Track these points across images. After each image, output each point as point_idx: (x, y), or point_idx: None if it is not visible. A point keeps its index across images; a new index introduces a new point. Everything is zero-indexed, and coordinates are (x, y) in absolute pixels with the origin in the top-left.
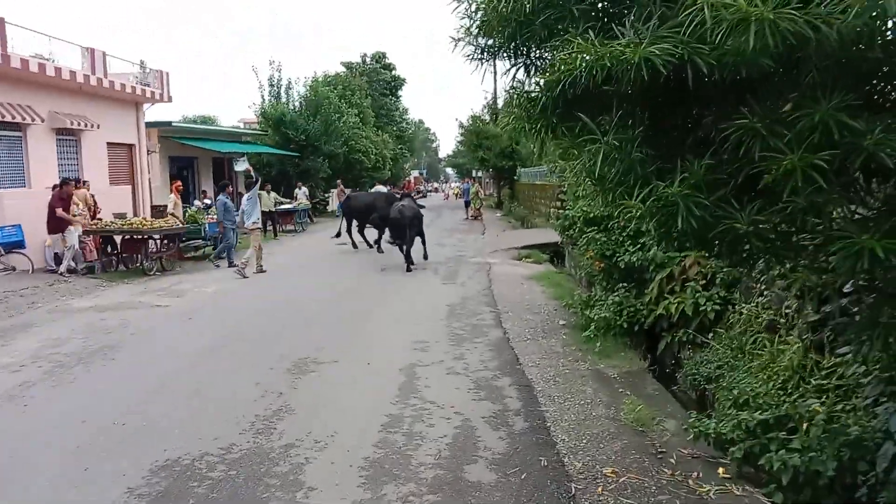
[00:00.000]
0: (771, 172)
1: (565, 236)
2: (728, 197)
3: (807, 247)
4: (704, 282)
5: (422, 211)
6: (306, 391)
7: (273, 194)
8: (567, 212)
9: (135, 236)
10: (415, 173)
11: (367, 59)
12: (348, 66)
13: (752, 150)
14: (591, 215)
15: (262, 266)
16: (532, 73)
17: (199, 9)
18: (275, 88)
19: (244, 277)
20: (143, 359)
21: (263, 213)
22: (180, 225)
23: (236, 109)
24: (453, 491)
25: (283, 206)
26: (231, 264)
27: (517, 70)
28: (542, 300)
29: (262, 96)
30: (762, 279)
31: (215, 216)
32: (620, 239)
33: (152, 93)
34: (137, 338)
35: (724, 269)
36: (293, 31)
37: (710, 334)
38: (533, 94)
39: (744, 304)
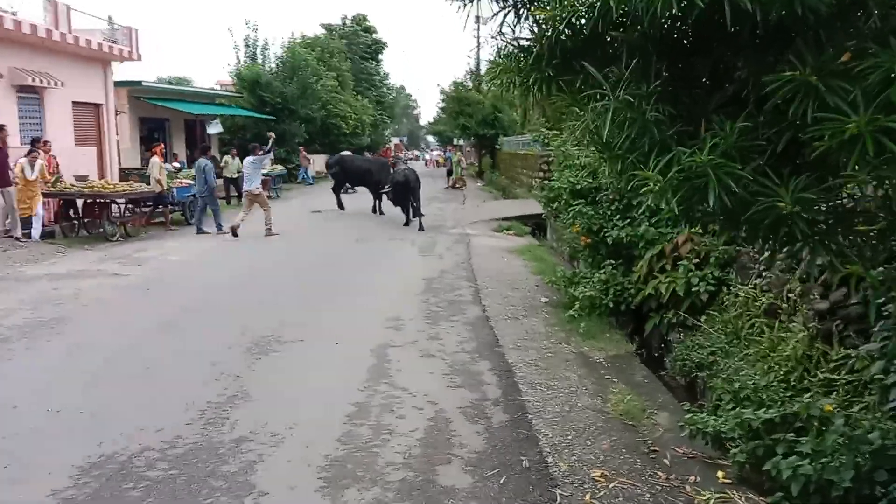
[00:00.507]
0: (824, 139)
1: (549, 209)
2: (764, 168)
3: (866, 233)
4: (698, 260)
5: None
6: (266, 374)
7: (237, 160)
8: (553, 183)
9: (97, 200)
10: (395, 140)
11: (348, 22)
12: (328, 28)
13: (801, 110)
14: (578, 187)
15: (269, 229)
16: (524, 16)
17: None
18: (251, 49)
19: (275, 234)
20: (92, 334)
21: (227, 179)
22: (161, 189)
23: (213, 71)
24: (423, 497)
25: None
26: (220, 228)
27: (506, 14)
28: (524, 275)
29: (238, 57)
30: (761, 259)
31: (185, 180)
32: (608, 213)
33: (120, 50)
34: (89, 310)
35: (720, 248)
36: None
37: (703, 317)
38: (524, 43)
39: (740, 286)
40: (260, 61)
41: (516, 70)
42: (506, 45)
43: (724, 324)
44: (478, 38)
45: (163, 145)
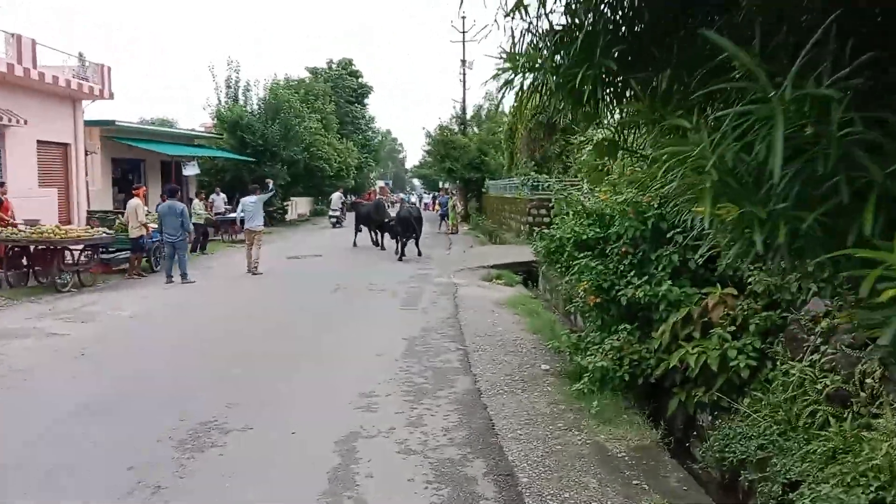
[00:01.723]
0: None
1: (549, 261)
2: None
3: None
4: (733, 328)
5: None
6: (196, 483)
7: (203, 203)
8: (553, 231)
9: (49, 247)
10: (380, 183)
11: (334, 66)
12: (313, 71)
13: None
14: (584, 237)
15: (255, 268)
16: None
17: (165, 9)
18: (232, 90)
19: (259, 273)
20: None
21: (195, 224)
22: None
23: (198, 113)
24: None
25: (229, 216)
26: (182, 278)
27: None
28: (518, 333)
29: (219, 98)
30: (816, 329)
31: (152, 224)
32: (621, 268)
33: (91, 88)
34: (4, 382)
35: (761, 314)
36: (261, 35)
37: (743, 398)
38: (563, 29)
39: (790, 362)
40: (242, 102)
41: (551, 68)
42: (526, 32)
43: (773, 409)
44: (464, 82)
45: (145, 188)
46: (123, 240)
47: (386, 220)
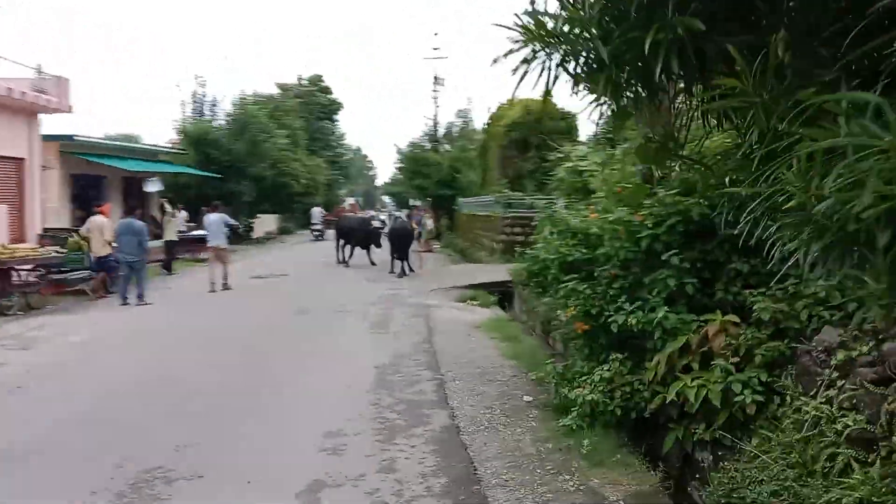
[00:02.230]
0: None
1: (531, 283)
2: None
3: None
4: (737, 359)
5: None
6: None
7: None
8: (536, 252)
9: None
10: (350, 200)
11: (303, 82)
12: (283, 87)
13: None
14: (571, 259)
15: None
16: None
17: (125, 25)
18: (198, 105)
19: (230, 289)
20: None
21: (168, 241)
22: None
23: (164, 130)
24: None
25: (193, 233)
26: (138, 299)
27: None
28: (496, 360)
29: (184, 112)
30: (831, 362)
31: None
32: (610, 292)
33: (48, 101)
34: None
35: (767, 344)
36: (260, 35)
37: (750, 437)
38: None
39: (801, 398)
40: (208, 118)
41: (598, 32)
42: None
43: (785, 449)
44: (435, 99)
45: (109, 205)
46: (76, 259)
47: (372, 229)
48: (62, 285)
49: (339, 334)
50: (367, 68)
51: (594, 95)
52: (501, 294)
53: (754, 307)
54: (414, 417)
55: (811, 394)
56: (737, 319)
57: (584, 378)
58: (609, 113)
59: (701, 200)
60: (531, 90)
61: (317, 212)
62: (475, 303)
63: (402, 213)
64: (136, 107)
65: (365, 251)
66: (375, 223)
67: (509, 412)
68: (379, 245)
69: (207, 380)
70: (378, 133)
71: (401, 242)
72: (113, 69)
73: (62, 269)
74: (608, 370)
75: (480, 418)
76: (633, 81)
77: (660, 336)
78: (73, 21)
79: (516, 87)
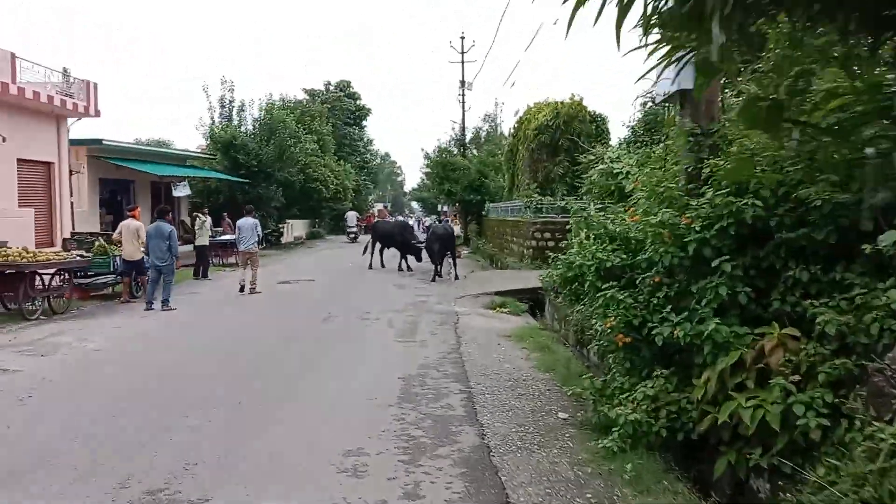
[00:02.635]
0: None
1: (566, 291)
2: None
3: None
4: (798, 378)
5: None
6: None
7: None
8: (571, 257)
9: (16, 271)
10: (379, 205)
11: (332, 87)
12: (311, 93)
13: None
14: (609, 265)
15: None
16: None
17: (163, 32)
18: (226, 109)
19: (258, 293)
20: None
21: (198, 246)
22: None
23: (193, 134)
24: None
25: (219, 238)
26: (163, 305)
27: None
28: (528, 372)
29: (213, 118)
30: None
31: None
32: (654, 302)
33: (75, 105)
34: None
35: (834, 361)
36: (260, 35)
37: (814, 464)
38: None
39: (874, 422)
40: (236, 122)
41: None
42: None
43: (857, 481)
44: (463, 102)
45: (139, 208)
46: (101, 263)
47: (413, 242)
48: (87, 290)
49: (364, 343)
50: (394, 73)
51: (670, 44)
52: (532, 301)
53: (817, 319)
54: (441, 435)
55: (886, 418)
56: (796, 333)
57: (624, 395)
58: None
59: (756, 201)
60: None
61: (352, 216)
62: (505, 310)
63: (431, 219)
64: (165, 110)
65: (402, 256)
66: (417, 233)
67: (544, 431)
68: (419, 258)
69: (224, 391)
70: (406, 139)
71: (445, 245)
72: (127, 71)
73: (88, 273)
74: (652, 387)
75: (512, 437)
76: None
77: (710, 350)
78: (92, 24)
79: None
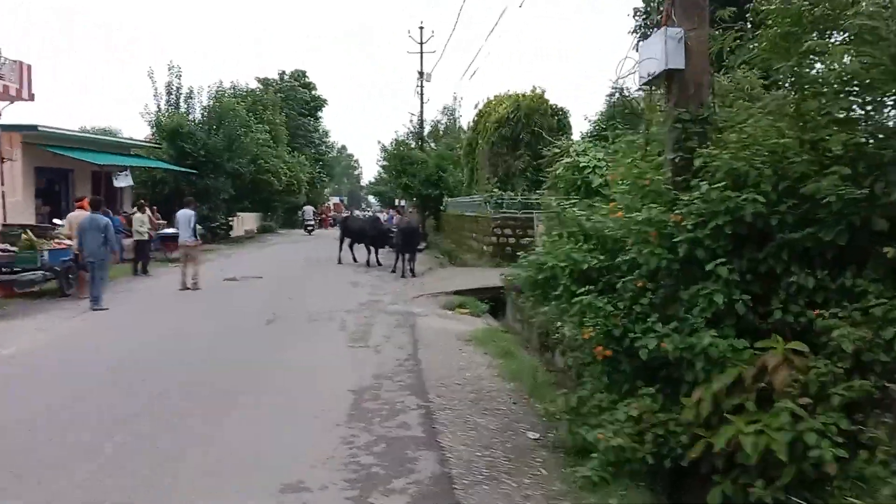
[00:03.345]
0: None
1: (535, 294)
2: None
3: None
4: (807, 400)
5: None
6: None
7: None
8: (541, 258)
9: None
10: (335, 199)
11: (286, 77)
12: (264, 82)
13: None
14: (585, 266)
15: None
16: None
17: (113, 19)
18: (173, 97)
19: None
20: None
21: (138, 241)
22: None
23: (143, 124)
24: None
25: (163, 231)
26: (96, 302)
27: None
28: (492, 381)
29: (158, 105)
30: None
31: (66, 240)
32: (637, 309)
33: (6, 87)
34: None
35: (846, 382)
36: (260, 36)
37: (826, 499)
38: None
39: (889, 450)
40: (184, 110)
41: None
42: None
43: None
44: (421, 94)
45: (87, 198)
46: (27, 258)
47: (385, 233)
48: (11, 287)
49: (312, 348)
50: (352, 65)
51: None
52: (493, 301)
53: (832, 333)
54: (396, 462)
55: None
56: (803, 348)
57: (604, 415)
58: None
59: (757, 196)
60: None
61: (309, 210)
62: (464, 311)
63: (384, 214)
64: (118, 101)
65: (371, 251)
66: (388, 224)
67: (512, 454)
68: (391, 245)
69: (144, 407)
70: (364, 132)
71: (410, 241)
72: (92, 59)
73: (13, 269)
74: (635, 406)
75: (478, 463)
76: None
77: (703, 366)
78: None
79: None
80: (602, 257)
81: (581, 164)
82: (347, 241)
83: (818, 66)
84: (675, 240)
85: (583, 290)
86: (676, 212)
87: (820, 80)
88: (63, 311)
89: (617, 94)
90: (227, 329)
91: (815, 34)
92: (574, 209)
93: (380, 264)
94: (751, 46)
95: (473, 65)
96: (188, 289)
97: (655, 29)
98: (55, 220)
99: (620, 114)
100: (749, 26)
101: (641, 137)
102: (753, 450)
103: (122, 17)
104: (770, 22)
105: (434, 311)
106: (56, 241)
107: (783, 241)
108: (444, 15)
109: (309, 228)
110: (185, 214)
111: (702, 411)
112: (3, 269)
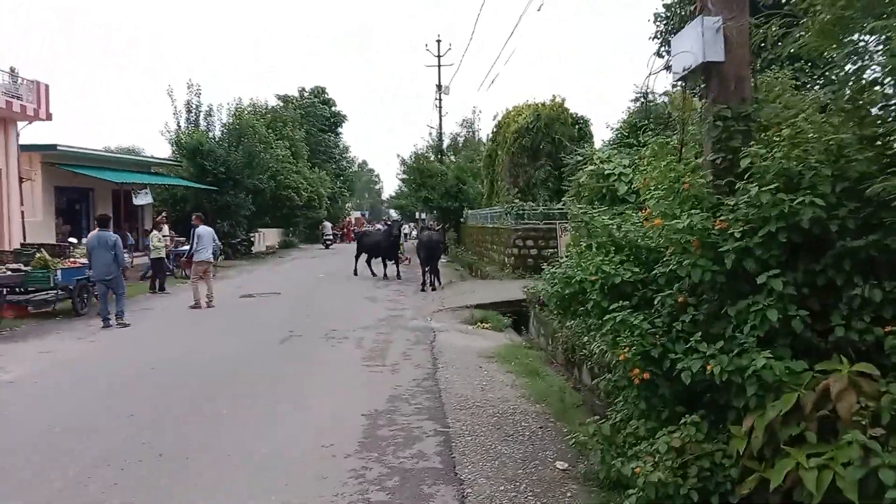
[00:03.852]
0: None
1: (562, 310)
2: None
3: None
4: (880, 430)
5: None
6: None
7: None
8: (569, 271)
9: None
10: (356, 214)
11: (306, 94)
12: (285, 99)
13: None
14: (618, 280)
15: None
16: None
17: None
18: (193, 115)
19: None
20: None
21: (154, 259)
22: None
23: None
24: None
25: (181, 249)
26: (117, 319)
27: None
28: (516, 403)
29: (178, 123)
30: None
31: (80, 259)
32: (677, 327)
33: (23, 107)
34: None
35: None
36: (260, 36)
37: None
38: None
39: None
40: (204, 127)
41: None
42: None
43: None
44: (440, 108)
45: (162, 217)
46: (39, 278)
47: (395, 242)
48: (25, 307)
49: (326, 369)
50: (371, 79)
51: None
52: (515, 315)
53: None
54: (410, 499)
55: None
56: (872, 370)
57: (641, 445)
58: None
59: (815, 199)
60: None
61: (328, 225)
62: (486, 326)
63: (409, 226)
64: (141, 119)
65: (387, 264)
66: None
67: (539, 488)
68: (395, 257)
69: (141, 437)
70: (384, 147)
71: (429, 255)
72: (113, 77)
73: (27, 289)
74: (677, 436)
75: (501, 498)
76: None
77: (755, 391)
78: (73, 25)
79: None
80: (636, 270)
81: (606, 172)
82: (364, 256)
83: (878, 55)
84: (720, 249)
85: (615, 305)
86: (721, 218)
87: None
88: (74, 332)
89: (642, 98)
90: (236, 349)
91: (868, 19)
92: (603, 217)
93: (399, 277)
94: (798, 35)
95: (492, 73)
96: (200, 307)
97: (689, 20)
98: (70, 239)
99: (648, 116)
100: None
101: (675, 139)
102: (817, 488)
103: (119, 18)
104: (819, 6)
105: (455, 326)
106: (71, 259)
107: (844, 249)
108: (463, 25)
109: (327, 243)
110: (209, 231)
111: (754, 442)
112: (17, 290)
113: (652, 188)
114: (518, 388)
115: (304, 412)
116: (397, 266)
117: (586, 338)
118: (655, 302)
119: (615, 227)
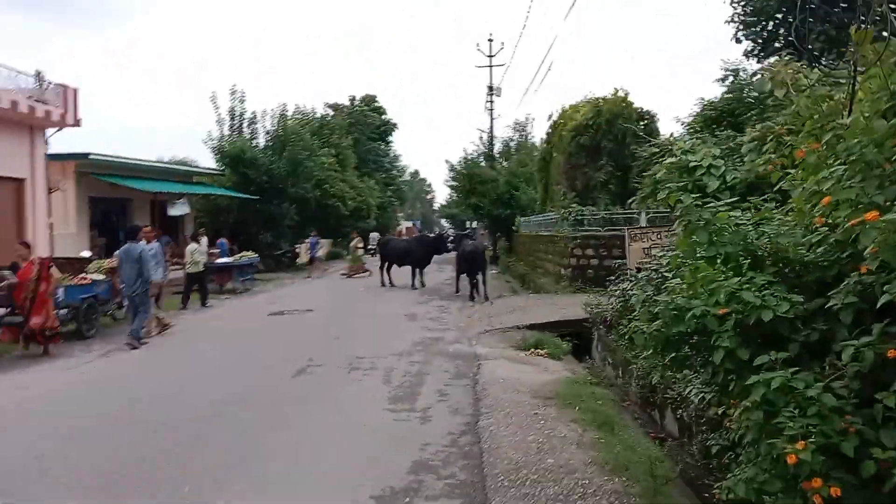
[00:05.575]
0: None
1: (665, 358)
2: None
3: None
4: None
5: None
6: None
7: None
8: (672, 297)
9: None
10: (407, 223)
11: (356, 102)
12: (334, 107)
13: None
14: (771, 315)
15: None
16: None
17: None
18: (236, 122)
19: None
20: None
21: (191, 274)
22: None
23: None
24: None
25: (217, 262)
26: (128, 337)
27: None
28: (585, 472)
29: (221, 130)
30: None
31: (93, 274)
32: (892, 402)
33: (48, 112)
34: None
35: None
36: (260, 36)
37: None
38: None
39: None
40: (247, 135)
41: None
42: None
43: None
44: (491, 110)
45: (150, 228)
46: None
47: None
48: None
49: (339, 417)
50: (422, 86)
51: None
52: (575, 337)
53: None
54: None
55: None
56: None
57: None
58: None
59: None
60: None
61: (374, 236)
62: (541, 352)
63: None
64: (189, 130)
65: (416, 273)
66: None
67: None
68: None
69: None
70: (435, 155)
71: (474, 264)
72: (178, 91)
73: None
74: None
75: None
76: None
77: None
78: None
79: None
80: (799, 298)
81: (691, 164)
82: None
83: None
84: None
85: (761, 360)
86: None
87: None
88: (68, 360)
89: (732, 77)
90: (241, 387)
91: None
92: (734, 214)
93: (423, 285)
94: None
95: (546, 65)
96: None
97: None
98: (82, 252)
99: (741, 96)
100: None
101: (843, 92)
102: None
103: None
104: None
105: (503, 352)
106: (81, 276)
107: None
108: (509, 24)
109: (372, 251)
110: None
111: None
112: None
113: (812, 162)
114: (587, 448)
115: (296, 485)
116: (421, 275)
117: (672, 373)
118: (841, 352)
119: (751, 227)
